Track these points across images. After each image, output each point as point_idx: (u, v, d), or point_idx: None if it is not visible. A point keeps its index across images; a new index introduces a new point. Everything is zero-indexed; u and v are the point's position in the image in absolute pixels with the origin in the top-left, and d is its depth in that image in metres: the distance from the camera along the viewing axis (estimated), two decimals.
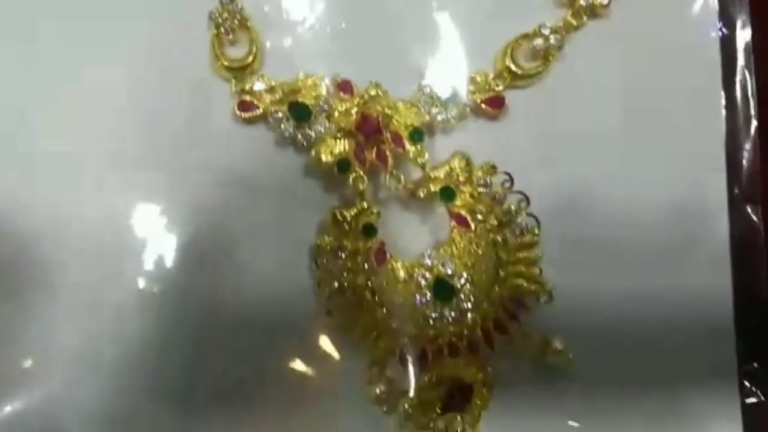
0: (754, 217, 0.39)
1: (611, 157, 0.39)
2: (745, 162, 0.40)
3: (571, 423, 0.38)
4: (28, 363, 0.37)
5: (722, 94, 0.40)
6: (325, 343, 0.38)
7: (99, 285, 0.38)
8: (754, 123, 0.40)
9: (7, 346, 0.37)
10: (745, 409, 0.39)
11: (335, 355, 0.38)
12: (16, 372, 0.37)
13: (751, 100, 0.40)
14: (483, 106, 0.39)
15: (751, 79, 0.40)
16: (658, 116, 0.39)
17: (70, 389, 0.37)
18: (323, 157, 0.37)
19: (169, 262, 0.38)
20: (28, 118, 0.38)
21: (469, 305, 0.37)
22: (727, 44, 0.40)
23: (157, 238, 0.38)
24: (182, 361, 0.38)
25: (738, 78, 0.40)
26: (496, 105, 0.39)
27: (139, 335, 0.37)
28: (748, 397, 0.39)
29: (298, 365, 0.38)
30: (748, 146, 0.40)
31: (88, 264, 0.38)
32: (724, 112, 0.40)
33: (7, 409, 0.37)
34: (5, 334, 0.37)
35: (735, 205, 0.39)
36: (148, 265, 0.38)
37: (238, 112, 0.38)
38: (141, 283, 0.38)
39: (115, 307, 0.37)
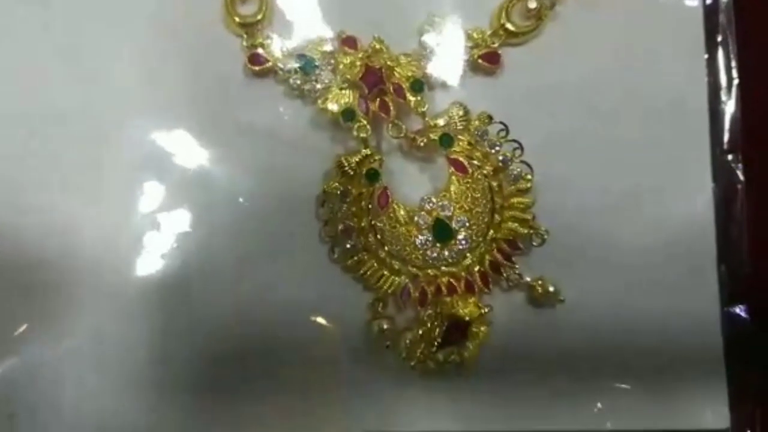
0: (734, 166, 0.41)
1: (599, 111, 0.41)
2: (727, 117, 0.42)
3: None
4: (35, 361, 0.39)
5: (705, 52, 0.42)
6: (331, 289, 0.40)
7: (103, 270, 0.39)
8: (736, 80, 0.42)
9: (15, 342, 0.38)
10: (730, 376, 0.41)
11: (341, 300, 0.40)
12: (23, 372, 0.38)
13: (732, 58, 0.42)
14: (480, 61, 0.40)
15: (732, 38, 0.42)
16: (644, 73, 0.41)
17: (76, 386, 0.39)
18: (329, 107, 0.38)
19: (179, 215, 0.40)
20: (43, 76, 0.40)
21: (467, 246, 0.39)
22: (710, 4, 0.42)
23: (166, 193, 0.40)
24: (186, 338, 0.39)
25: (720, 37, 0.42)
26: (492, 61, 0.40)
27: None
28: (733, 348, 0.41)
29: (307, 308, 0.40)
30: (730, 102, 0.42)
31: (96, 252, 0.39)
32: (706, 69, 0.42)
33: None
34: (13, 329, 0.39)
35: (717, 156, 0.41)
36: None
37: (249, 65, 0.39)
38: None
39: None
